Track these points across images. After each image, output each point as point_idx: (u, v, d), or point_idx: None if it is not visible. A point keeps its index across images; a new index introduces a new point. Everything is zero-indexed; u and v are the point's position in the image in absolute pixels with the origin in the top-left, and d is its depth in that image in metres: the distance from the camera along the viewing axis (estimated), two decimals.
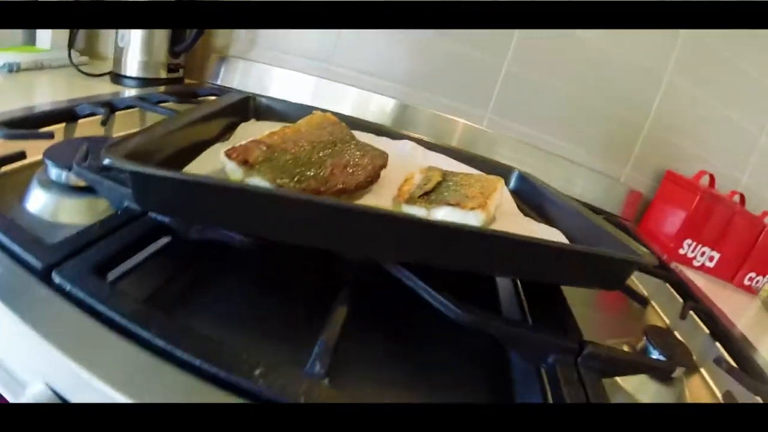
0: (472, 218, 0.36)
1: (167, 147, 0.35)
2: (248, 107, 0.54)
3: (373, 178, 0.41)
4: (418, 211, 0.37)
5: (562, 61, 0.76)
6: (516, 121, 0.81)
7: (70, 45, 0.78)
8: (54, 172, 0.38)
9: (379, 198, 0.41)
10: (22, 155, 0.38)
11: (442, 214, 0.36)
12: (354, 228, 0.28)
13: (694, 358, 0.44)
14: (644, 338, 0.39)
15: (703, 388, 0.40)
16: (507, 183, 0.57)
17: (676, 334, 0.47)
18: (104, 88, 0.70)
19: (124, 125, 0.59)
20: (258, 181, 0.33)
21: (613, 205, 0.79)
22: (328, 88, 0.84)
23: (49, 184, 0.37)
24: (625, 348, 0.40)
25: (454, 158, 0.56)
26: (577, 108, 0.78)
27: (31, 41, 0.77)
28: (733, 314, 0.61)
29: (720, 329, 0.43)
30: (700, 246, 0.69)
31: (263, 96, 0.57)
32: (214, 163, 0.36)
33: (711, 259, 0.69)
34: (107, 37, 0.85)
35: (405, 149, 0.56)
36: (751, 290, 0.69)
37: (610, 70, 0.75)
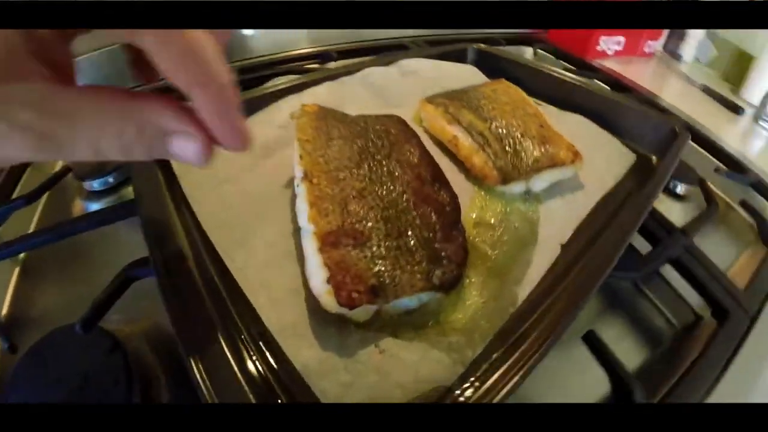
0: (570, 171, 0.37)
1: None
2: None
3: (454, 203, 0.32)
4: (519, 186, 0.36)
5: None
6: None
7: None
8: None
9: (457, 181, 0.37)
10: None
11: (544, 179, 0.36)
12: None
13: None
14: None
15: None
16: (466, 59, 0.56)
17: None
18: None
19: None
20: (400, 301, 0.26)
21: None
22: None
23: None
24: None
25: (417, 57, 0.53)
26: None
27: None
28: (640, 75, 0.74)
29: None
30: (609, 37, 0.77)
31: None
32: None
33: (619, 43, 0.78)
34: None
35: (376, 77, 0.48)
36: (650, 55, 0.82)
37: None
